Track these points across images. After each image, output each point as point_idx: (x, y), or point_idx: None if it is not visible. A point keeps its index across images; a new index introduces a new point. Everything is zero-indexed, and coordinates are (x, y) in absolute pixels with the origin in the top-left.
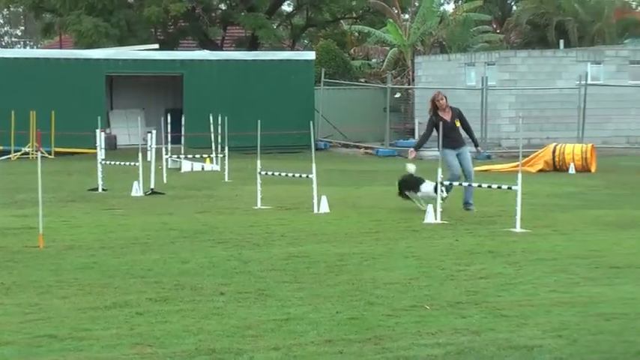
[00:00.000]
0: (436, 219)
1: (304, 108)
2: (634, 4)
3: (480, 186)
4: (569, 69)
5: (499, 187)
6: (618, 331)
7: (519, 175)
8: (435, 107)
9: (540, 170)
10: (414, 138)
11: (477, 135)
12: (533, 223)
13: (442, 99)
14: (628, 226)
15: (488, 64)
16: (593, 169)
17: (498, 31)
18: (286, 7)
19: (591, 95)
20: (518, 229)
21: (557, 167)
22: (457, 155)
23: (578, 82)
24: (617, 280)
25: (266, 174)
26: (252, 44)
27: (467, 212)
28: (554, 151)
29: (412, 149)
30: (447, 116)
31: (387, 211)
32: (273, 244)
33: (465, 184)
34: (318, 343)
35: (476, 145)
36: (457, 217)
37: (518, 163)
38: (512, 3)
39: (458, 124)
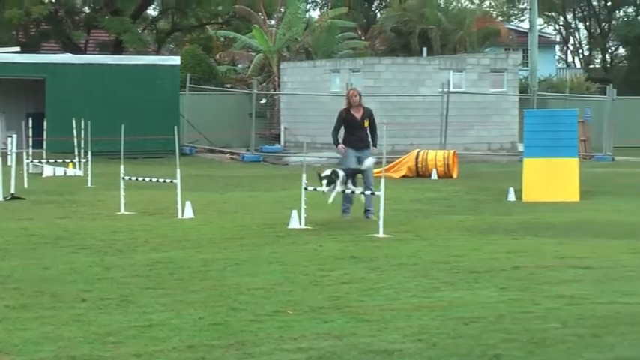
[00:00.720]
0: (300, 224)
1: (169, 113)
2: (494, 13)
3: (343, 192)
4: (432, 76)
5: (362, 193)
6: (476, 335)
7: (382, 181)
8: (348, 104)
9: (404, 176)
10: (279, 144)
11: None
12: (396, 228)
13: (356, 96)
14: (487, 232)
15: (353, 71)
16: (454, 176)
17: (363, 38)
18: (151, 12)
19: (453, 103)
20: (381, 235)
21: (420, 173)
22: (357, 158)
23: (440, 90)
24: (477, 285)
25: (130, 179)
26: (117, 48)
27: (331, 218)
28: (417, 158)
29: (340, 146)
30: (358, 114)
31: (251, 216)
32: (137, 250)
33: (367, 192)
34: (180, 349)
35: (374, 146)
36: (321, 222)
37: (381, 169)
38: (377, 11)
39: (367, 124)
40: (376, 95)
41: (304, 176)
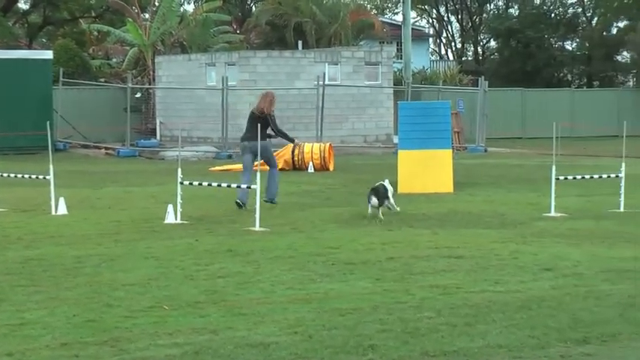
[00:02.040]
0: (176, 219)
1: (42, 108)
2: (368, 6)
3: (219, 185)
4: (308, 70)
5: (238, 187)
6: (352, 326)
7: (258, 175)
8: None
9: (280, 169)
10: (155, 138)
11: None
12: (273, 221)
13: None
14: (364, 224)
15: (228, 65)
16: (331, 168)
17: (238, 31)
18: (22, 5)
19: (329, 95)
20: (257, 228)
21: (296, 166)
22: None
23: (316, 83)
24: (352, 276)
25: (2, 176)
26: None
27: (207, 213)
28: (293, 151)
29: (297, 141)
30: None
31: (127, 212)
32: (9, 247)
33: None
34: (53, 347)
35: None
36: (197, 217)
37: (256, 162)
38: (252, 4)
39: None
40: (252, 89)
41: (179, 170)
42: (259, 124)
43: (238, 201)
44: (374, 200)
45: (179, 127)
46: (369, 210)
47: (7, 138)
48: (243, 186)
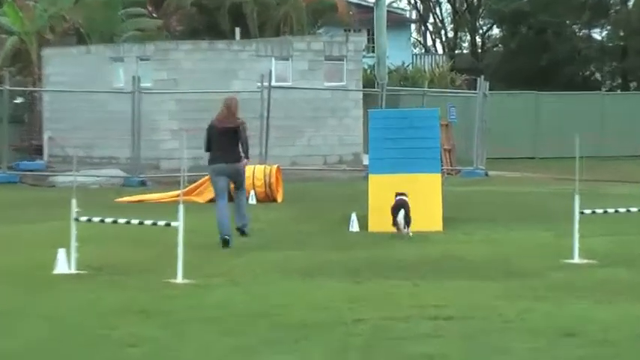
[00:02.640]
0: (71, 268)
1: None
2: None
3: (128, 222)
4: (248, 66)
5: (154, 224)
6: None
7: (180, 208)
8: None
9: (211, 200)
10: (42, 159)
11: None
12: (201, 270)
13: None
14: (321, 273)
15: (141, 60)
16: (279, 199)
17: (155, 15)
18: None
19: (277, 101)
20: (180, 280)
21: (233, 196)
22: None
23: (259, 84)
24: (306, 344)
25: None
26: None
27: (112, 259)
28: None
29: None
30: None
31: (3, 259)
32: None
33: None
34: None
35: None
36: (100, 264)
37: (179, 191)
38: None
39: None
40: (173, 92)
41: (74, 202)
42: (227, 139)
43: (226, 237)
44: (401, 216)
45: (74, 143)
46: (397, 229)
47: None
48: (225, 217)
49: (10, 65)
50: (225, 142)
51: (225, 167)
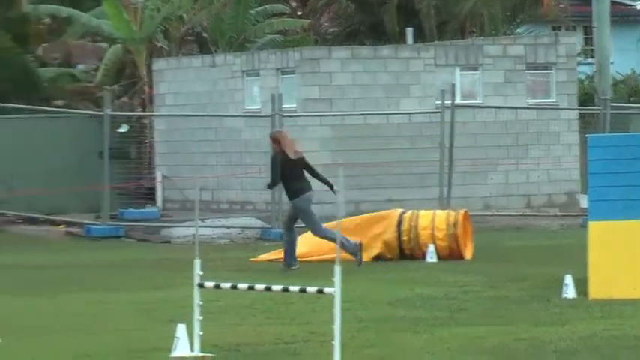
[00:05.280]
0: (193, 350)
1: None
2: None
3: (268, 289)
4: (423, 78)
5: (302, 291)
6: None
7: (337, 269)
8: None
9: (377, 257)
10: (153, 205)
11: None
12: (363, 352)
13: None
14: (526, 355)
15: (282, 72)
16: (468, 255)
17: (300, 13)
18: None
19: (462, 124)
20: None
21: (405, 252)
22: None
23: (438, 102)
24: None
25: None
26: None
27: (248, 336)
28: (399, 223)
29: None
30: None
31: (101, 338)
32: None
33: None
34: None
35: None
36: (231, 344)
37: (336, 242)
38: None
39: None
40: (324, 114)
41: (197, 262)
42: (300, 169)
43: (358, 256)
44: None
45: (196, 185)
46: None
47: None
48: (339, 236)
49: (112, 83)
50: (301, 172)
51: (312, 195)
